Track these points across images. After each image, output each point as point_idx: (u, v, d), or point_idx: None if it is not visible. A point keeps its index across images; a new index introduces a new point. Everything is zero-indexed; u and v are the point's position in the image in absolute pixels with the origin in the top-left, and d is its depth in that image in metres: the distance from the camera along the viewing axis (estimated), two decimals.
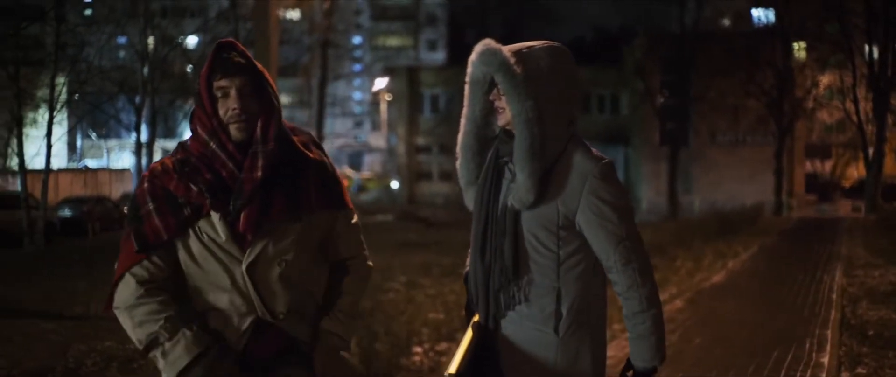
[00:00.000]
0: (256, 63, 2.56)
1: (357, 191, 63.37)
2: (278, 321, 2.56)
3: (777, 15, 35.72)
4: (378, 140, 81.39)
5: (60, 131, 26.89)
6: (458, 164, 2.80)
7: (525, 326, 2.60)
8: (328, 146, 70.28)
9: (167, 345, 2.48)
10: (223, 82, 2.50)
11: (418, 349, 6.91)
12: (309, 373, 2.60)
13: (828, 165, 44.11)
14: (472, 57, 2.64)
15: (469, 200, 2.80)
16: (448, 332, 7.33)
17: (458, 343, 6.95)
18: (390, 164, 59.42)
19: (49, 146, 23.86)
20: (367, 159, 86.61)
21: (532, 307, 2.59)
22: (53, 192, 29.41)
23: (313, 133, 2.89)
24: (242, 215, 2.49)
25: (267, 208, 2.53)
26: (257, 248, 2.53)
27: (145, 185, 2.55)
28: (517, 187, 2.57)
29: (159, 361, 2.49)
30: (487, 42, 2.62)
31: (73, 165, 41.79)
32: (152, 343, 2.49)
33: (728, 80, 32.40)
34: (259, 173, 2.50)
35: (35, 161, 25.62)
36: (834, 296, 10.29)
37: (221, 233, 2.51)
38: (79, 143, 46.62)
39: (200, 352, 2.48)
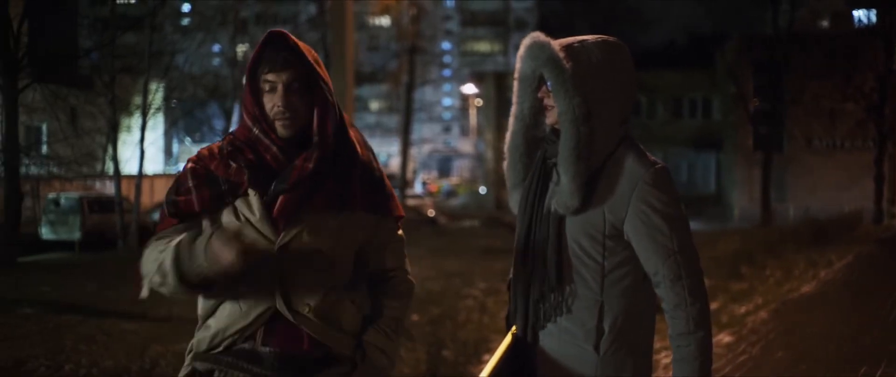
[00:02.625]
0: (308, 56, 2.43)
1: (447, 196, 63.65)
2: (301, 319, 2.40)
3: (879, 14, 34.40)
4: (467, 145, 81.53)
5: (154, 136, 27.67)
6: (504, 165, 2.65)
7: (564, 340, 2.45)
8: (416, 151, 70.77)
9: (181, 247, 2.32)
10: (270, 76, 2.39)
11: (487, 357, 6.79)
12: None
13: None
14: (520, 51, 2.51)
15: (514, 203, 2.64)
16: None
17: None
18: (479, 169, 59.41)
19: (142, 151, 24.57)
20: (457, 164, 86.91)
21: (573, 320, 2.43)
22: (148, 196, 30.27)
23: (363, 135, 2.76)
24: (280, 199, 2.38)
25: (310, 197, 2.41)
26: (292, 232, 2.39)
27: (189, 165, 2.48)
28: (561, 190, 2.41)
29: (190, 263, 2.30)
30: (536, 35, 2.48)
31: (169, 170, 42.96)
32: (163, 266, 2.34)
33: (825, 83, 31.31)
34: (311, 165, 2.39)
35: (130, 165, 26.43)
36: None
37: (256, 211, 2.39)
38: (175, 148, 47.95)
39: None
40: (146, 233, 25.19)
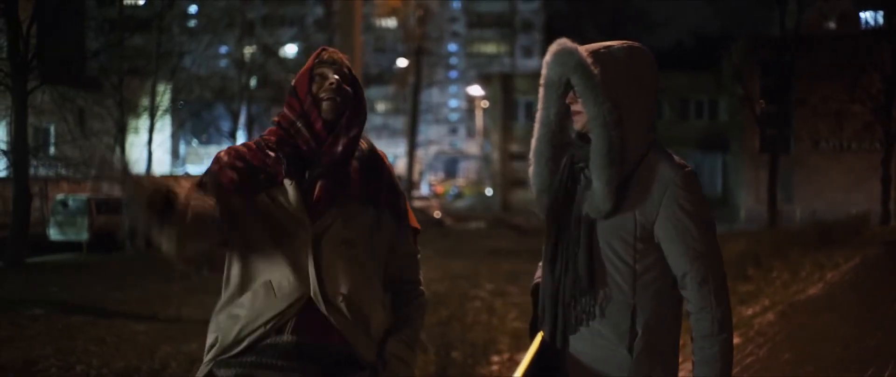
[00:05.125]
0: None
1: (453, 198, 63.67)
2: (333, 310, 2.44)
3: (886, 16, 34.33)
4: (473, 147, 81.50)
5: (161, 138, 27.77)
6: (530, 170, 2.66)
7: (597, 343, 2.47)
8: (423, 153, 70.84)
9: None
10: (325, 69, 2.57)
11: (496, 358, 6.82)
12: None
13: None
14: (547, 58, 2.53)
15: (541, 208, 2.66)
16: (529, 343, 7.22)
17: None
18: (485, 170, 59.42)
19: (150, 152, 24.65)
20: (463, 166, 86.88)
21: (606, 323, 2.45)
22: None
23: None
24: (318, 185, 2.49)
25: (343, 187, 2.52)
26: (328, 220, 2.48)
27: (222, 153, 2.56)
28: (593, 195, 2.44)
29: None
30: (563, 42, 2.50)
31: (176, 171, 43.05)
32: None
33: (832, 84, 31.27)
34: (339, 149, 2.51)
35: (137, 167, 26.47)
36: None
37: (293, 200, 2.47)
38: (182, 149, 48.06)
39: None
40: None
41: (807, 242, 18.23)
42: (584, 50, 2.47)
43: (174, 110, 30.26)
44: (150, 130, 24.72)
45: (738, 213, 39.19)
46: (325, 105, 2.53)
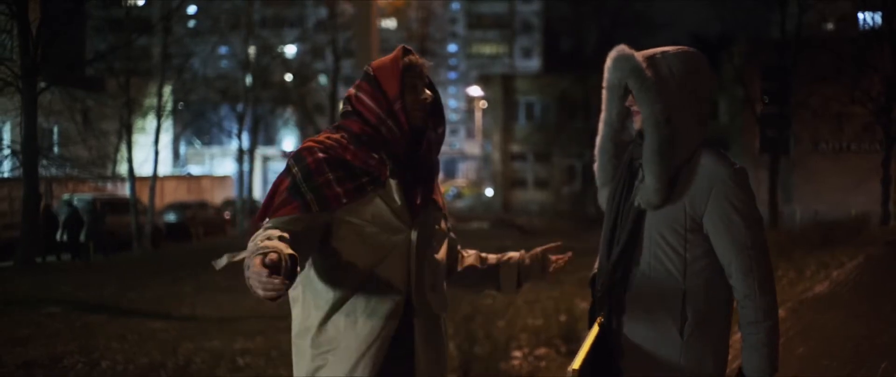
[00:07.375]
0: None
1: (453, 199, 63.76)
2: (425, 304, 2.66)
3: (885, 17, 34.46)
4: (473, 147, 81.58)
5: (165, 139, 27.89)
6: (595, 166, 2.89)
7: (650, 327, 2.64)
8: None
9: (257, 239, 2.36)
10: (415, 79, 2.70)
11: (517, 353, 6.96)
12: None
13: None
14: (607, 63, 2.74)
15: (603, 201, 2.88)
16: (547, 338, 7.37)
17: (556, 348, 6.93)
18: (485, 171, 59.52)
19: (156, 153, 24.77)
20: (462, 166, 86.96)
21: (657, 308, 2.63)
22: (159, 198, 30.48)
23: None
24: (418, 187, 2.68)
25: (433, 186, 2.76)
26: (422, 219, 2.67)
27: (320, 155, 2.58)
28: (645, 188, 2.63)
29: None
30: (621, 48, 2.71)
31: (178, 172, 43.12)
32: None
33: (832, 86, 31.37)
34: (435, 156, 2.76)
35: (142, 168, 26.60)
36: None
37: (397, 198, 2.62)
38: (183, 150, 48.12)
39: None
40: (158, 234, 25.40)
41: (809, 242, 18.37)
42: (639, 55, 2.68)
43: (176, 111, 30.39)
44: (157, 131, 24.84)
45: None
46: (416, 115, 2.69)
